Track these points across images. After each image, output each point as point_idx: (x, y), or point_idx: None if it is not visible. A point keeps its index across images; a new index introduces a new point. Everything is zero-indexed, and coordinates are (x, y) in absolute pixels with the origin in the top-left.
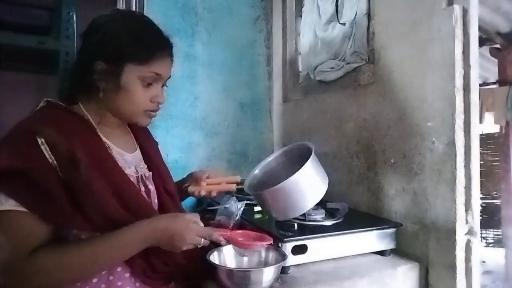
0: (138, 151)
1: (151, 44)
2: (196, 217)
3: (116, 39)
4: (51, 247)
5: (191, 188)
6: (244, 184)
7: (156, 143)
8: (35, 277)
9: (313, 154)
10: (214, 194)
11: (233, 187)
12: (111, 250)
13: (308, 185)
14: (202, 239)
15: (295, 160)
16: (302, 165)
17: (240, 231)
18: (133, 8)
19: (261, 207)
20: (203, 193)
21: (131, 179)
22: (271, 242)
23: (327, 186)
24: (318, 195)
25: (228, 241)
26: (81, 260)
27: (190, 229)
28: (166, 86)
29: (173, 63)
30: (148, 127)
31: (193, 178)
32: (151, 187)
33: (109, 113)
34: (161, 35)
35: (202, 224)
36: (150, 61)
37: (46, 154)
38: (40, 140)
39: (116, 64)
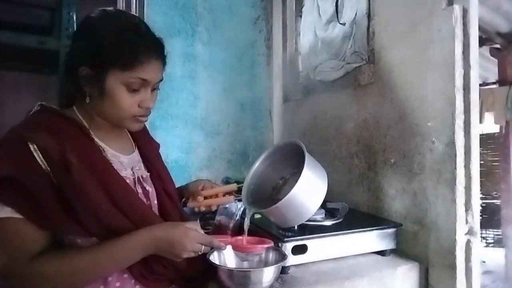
0: (136, 153)
1: (134, 48)
2: (196, 225)
3: (99, 44)
4: (50, 254)
5: (190, 204)
6: (242, 197)
7: (157, 145)
8: (34, 284)
9: (307, 156)
10: (214, 208)
11: (231, 198)
12: (110, 258)
13: (309, 194)
14: (203, 246)
15: (285, 157)
16: (293, 162)
17: (240, 237)
18: (133, 8)
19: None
20: (203, 208)
21: (127, 181)
22: (272, 244)
23: (327, 184)
24: (319, 199)
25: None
26: (80, 268)
27: (190, 236)
28: (158, 89)
29: (164, 65)
30: (148, 128)
31: (189, 192)
32: (150, 188)
33: (98, 117)
34: (147, 37)
35: (202, 232)
36: (134, 66)
37: (38, 160)
38: (33, 147)
39: (99, 70)
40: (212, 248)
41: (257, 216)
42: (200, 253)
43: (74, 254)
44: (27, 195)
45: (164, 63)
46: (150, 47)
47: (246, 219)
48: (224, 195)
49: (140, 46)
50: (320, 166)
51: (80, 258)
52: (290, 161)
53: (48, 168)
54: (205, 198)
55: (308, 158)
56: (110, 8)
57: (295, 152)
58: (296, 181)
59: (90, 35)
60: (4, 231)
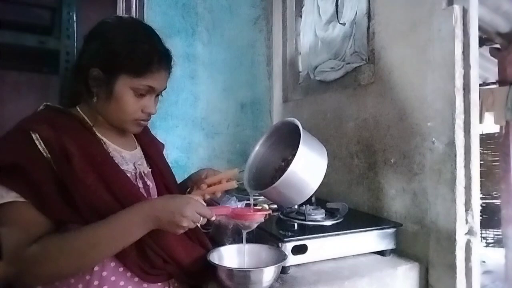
0: (138, 150)
1: (147, 57)
2: (197, 196)
3: (113, 49)
4: (52, 235)
5: (194, 193)
6: (244, 181)
7: (162, 146)
8: (38, 265)
9: (302, 133)
10: (218, 195)
11: (234, 183)
12: (111, 233)
13: (307, 170)
14: (201, 218)
15: (285, 138)
16: (293, 141)
17: (239, 208)
18: (133, 8)
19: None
20: (207, 196)
21: (128, 175)
22: (270, 211)
23: (326, 159)
24: (319, 175)
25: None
26: (82, 244)
27: (191, 204)
28: (161, 96)
29: (170, 75)
30: (150, 129)
31: (192, 181)
32: (150, 183)
33: (101, 118)
34: (159, 48)
35: (203, 202)
36: (144, 75)
37: (40, 148)
38: (35, 136)
39: (110, 73)
40: (214, 249)
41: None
42: (198, 224)
43: (75, 231)
44: (29, 180)
45: (170, 72)
46: (161, 58)
47: (250, 198)
48: (227, 181)
49: (153, 57)
50: (318, 142)
51: (81, 234)
52: (290, 141)
53: (49, 156)
54: (209, 185)
55: (304, 135)
56: (126, 16)
57: (293, 131)
58: None
59: (105, 40)
60: (10, 214)
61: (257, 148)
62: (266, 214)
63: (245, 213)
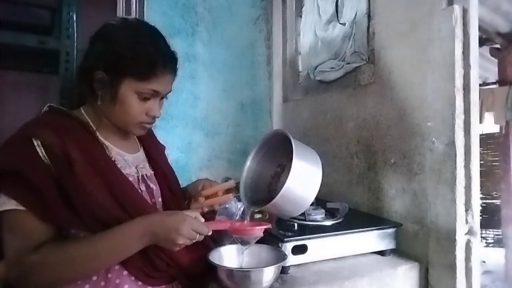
0: (141, 152)
1: (152, 61)
2: (195, 213)
3: (117, 52)
4: (52, 243)
5: (192, 207)
6: (240, 195)
7: (163, 148)
8: (38, 273)
9: (294, 146)
10: (216, 208)
11: (231, 196)
12: (109, 245)
13: (303, 183)
14: (198, 235)
15: (277, 146)
16: (287, 148)
17: (238, 223)
18: (133, 8)
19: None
20: (205, 209)
21: (131, 178)
22: (270, 226)
23: (321, 168)
24: (315, 185)
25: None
26: (80, 255)
27: (187, 222)
28: (166, 98)
29: (175, 77)
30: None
31: (190, 193)
32: (154, 186)
33: (106, 119)
34: (164, 50)
35: (202, 220)
36: (149, 79)
37: (41, 155)
38: (36, 142)
39: (114, 76)
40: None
41: (257, 216)
42: (194, 241)
43: (75, 242)
44: (30, 188)
45: (175, 75)
46: (166, 62)
47: (246, 213)
48: (224, 193)
49: (158, 61)
50: (311, 150)
51: (80, 246)
52: (284, 149)
53: (50, 163)
54: (206, 197)
55: (296, 147)
56: (132, 18)
57: (285, 140)
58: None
59: (109, 43)
60: (11, 221)
61: (248, 163)
62: (265, 228)
63: (244, 228)
